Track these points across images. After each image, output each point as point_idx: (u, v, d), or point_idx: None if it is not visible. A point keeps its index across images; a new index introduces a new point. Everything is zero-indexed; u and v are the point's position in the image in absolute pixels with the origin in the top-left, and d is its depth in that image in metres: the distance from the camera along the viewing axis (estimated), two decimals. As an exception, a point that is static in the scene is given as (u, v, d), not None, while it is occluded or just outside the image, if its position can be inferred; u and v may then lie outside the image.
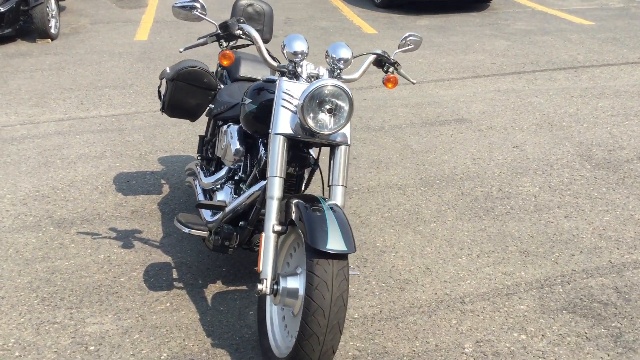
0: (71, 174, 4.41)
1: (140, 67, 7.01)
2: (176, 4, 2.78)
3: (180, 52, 2.80)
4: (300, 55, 2.69)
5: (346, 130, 2.67)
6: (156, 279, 3.24)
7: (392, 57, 2.94)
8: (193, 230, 2.98)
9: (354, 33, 8.50)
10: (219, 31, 2.77)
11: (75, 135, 5.12)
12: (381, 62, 2.96)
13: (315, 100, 2.51)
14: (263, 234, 2.54)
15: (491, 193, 4.17)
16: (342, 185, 2.67)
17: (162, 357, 2.69)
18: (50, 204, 4.00)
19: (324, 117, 2.55)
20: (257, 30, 3.47)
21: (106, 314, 2.97)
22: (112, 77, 6.62)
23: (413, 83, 3.11)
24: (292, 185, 2.93)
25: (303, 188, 3.02)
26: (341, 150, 2.68)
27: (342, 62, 2.72)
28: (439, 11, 9.75)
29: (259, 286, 2.45)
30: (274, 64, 2.75)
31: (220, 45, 2.79)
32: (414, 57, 7.32)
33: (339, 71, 2.74)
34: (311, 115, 2.52)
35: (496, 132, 5.22)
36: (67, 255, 3.44)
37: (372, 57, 2.91)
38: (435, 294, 3.13)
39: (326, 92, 2.52)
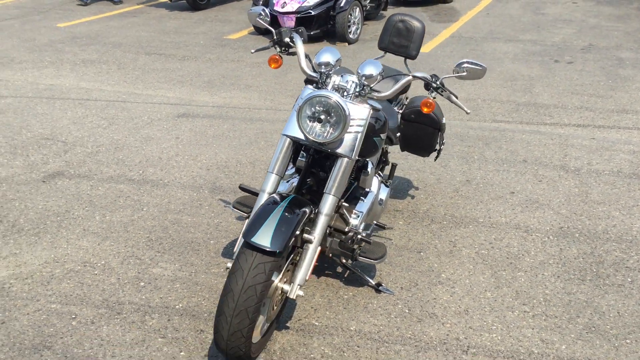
0: (260, 154, 5.15)
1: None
2: (250, 9, 3.22)
3: (252, 52, 3.23)
4: (324, 67, 2.89)
5: (352, 144, 2.78)
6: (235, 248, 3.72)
7: (438, 81, 2.91)
8: (235, 209, 3.38)
9: (652, 68, 7.58)
10: (275, 37, 3.12)
11: (296, 125, 5.83)
12: (428, 85, 2.96)
13: (310, 107, 2.71)
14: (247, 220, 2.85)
15: (626, 261, 3.62)
16: (333, 195, 2.80)
17: (177, 307, 3.21)
18: (224, 173, 4.79)
19: (316, 125, 2.73)
20: (403, 47, 3.74)
21: (175, 263, 3.59)
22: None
23: (467, 113, 3.01)
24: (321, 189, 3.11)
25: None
26: (342, 162, 2.81)
27: (365, 78, 2.83)
28: None
29: (228, 264, 2.78)
30: (309, 72, 2.99)
31: (277, 49, 3.14)
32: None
33: (363, 86, 2.86)
34: (305, 120, 2.73)
35: None
36: (196, 214, 4.16)
37: (408, 78, 2.93)
38: (447, 335, 3.01)
39: (321, 102, 2.69)
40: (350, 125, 2.80)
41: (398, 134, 3.73)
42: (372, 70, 2.85)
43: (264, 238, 2.50)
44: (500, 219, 4.10)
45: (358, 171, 3.29)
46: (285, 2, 8.70)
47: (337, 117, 2.70)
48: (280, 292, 2.75)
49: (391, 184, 3.94)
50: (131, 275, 3.45)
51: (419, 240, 3.82)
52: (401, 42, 4.08)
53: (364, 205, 3.38)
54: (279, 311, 2.94)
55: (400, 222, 4.03)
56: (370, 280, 3.35)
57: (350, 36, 8.79)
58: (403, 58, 4.16)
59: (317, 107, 2.71)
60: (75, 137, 5.47)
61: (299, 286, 2.74)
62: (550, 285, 3.38)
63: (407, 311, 3.17)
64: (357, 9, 8.86)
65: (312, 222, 2.80)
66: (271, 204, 2.66)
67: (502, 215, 4.15)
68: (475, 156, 5.10)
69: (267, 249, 2.47)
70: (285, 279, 2.77)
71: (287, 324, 3.05)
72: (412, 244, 3.77)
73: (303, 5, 8.65)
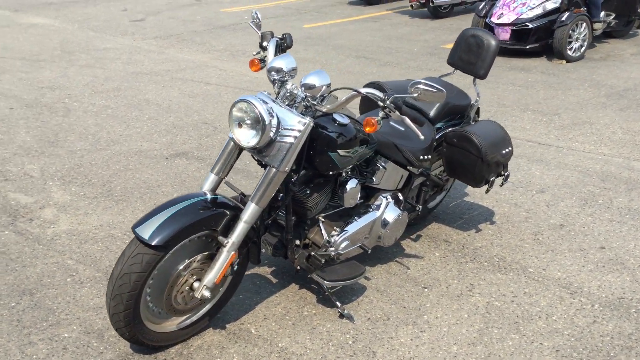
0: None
1: (586, 96, 6.61)
2: (252, 12, 3.26)
3: (254, 55, 3.29)
4: (274, 73, 2.83)
5: (281, 154, 2.72)
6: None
7: (387, 101, 2.67)
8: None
9: None
10: (259, 40, 3.14)
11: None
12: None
13: (236, 112, 2.72)
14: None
15: (669, 356, 2.86)
16: (256, 204, 2.77)
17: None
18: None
19: (241, 129, 2.73)
20: (471, 64, 3.55)
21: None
22: (555, 103, 6.55)
23: (420, 138, 2.71)
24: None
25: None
26: (269, 172, 2.76)
27: (303, 88, 2.74)
28: None
29: None
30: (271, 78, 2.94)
31: (262, 52, 3.15)
32: None
33: (305, 96, 2.76)
34: (232, 124, 2.75)
35: None
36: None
37: (352, 94, 2.73)
38: (354, 340, 2.76)
39: (243, 107, 2.69)
40: (284, 135, 2.71)
41: (427, 157, 3.41)
42: (314, 80, 2.71)
43: (146, 230, 2.58)
44: (555, 273, 3.50)
45: (341, 187, 3.14)
46: (502, 13, 8.24)
47: (257, 124, 2.65)
48: (188, 288, 2.80)
49: (420, 209, 3.64)
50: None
51: (437, 276, 3.47)
52: (470, 59, 3.72)
53: (354, 225, 3.22)
54: (213, 308, 2.98)
55: (437, 254, 3.70)
56: (337, 302, 3.18)
57: (570, 53, 7.97)
58: (472, 77, 3.79)
59: (239, 113, 2.69)
60: (227, 125, 6.00)
61: (205, 287, 2.76)
62: (536, 358, 2.83)
63: (350, 343, 2.95)
64: (584, 24, 7.99)
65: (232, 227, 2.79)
66: (177, 200, 2.72)
67: (562, 270, 3.53)
68: (600, 200, 4.37)
69: (145, 242, 2.55)
70: (196, 277, 2.81)
71: (227, 325, 3.07)
72: (425, 278, 3.44)
73: (521, 17, 8.11)
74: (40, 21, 11.21)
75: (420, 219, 3.95)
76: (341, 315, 3.12)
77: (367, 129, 2.65)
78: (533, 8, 8.04)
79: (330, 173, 2.97)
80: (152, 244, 2.53)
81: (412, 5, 10.78)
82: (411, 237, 3.87)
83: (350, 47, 9.17)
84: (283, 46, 3.08)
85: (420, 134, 2.69)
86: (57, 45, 9.36)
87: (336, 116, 2.88)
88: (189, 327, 2.92)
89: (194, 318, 2.93)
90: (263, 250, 3.04)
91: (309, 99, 2.74)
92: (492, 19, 8.31)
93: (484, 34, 3.69)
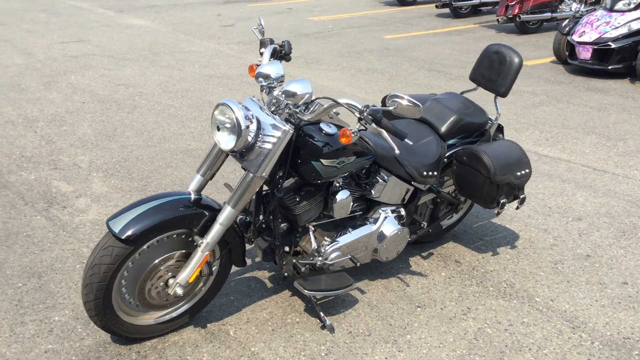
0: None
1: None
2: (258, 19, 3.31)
3: (260, 60, 3.33)
4: (262, 79, 2.86)
5: (258, 160, 2.74)
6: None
7: (365, 112, 2.64)
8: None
9: None
10: (259, 47, 3.18)
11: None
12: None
13: (217, 115, 2.77)
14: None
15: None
16: (232, 207, 2.81)
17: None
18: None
19: (220, 132, 2.77)
20: (492, 81, 3.50)
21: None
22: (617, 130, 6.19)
23: (395, 152, 2.65)
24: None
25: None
26: (247, 176, 2.79)
27: (285, 95, 2.75)
28: None
29: None
30: (259, 84, 2.98)
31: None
32: None
33: (287, 103, 2.77)
34: (216, 128, 2.80)
35: None
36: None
37: (330, 103, 2.71)
38: (327, 352, 2.72)
39: (223, 111, 2.73)
40: (264, 141, 2.73)
41: (432, 173, 3.33)
42: (295, 88, 2.71)
43: (118, 224, 2.66)
44: (563, 305, 3.31)
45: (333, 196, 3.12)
46: (584, 32, 7.88)
47: (233, 128, 2.68)
48: (164, 283, 2.87)
49: (425, 225, 3.54)
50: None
51: (435, 296, 3.37)
52: (491, 76, 3.60)
53: (346, 236, 3.19)
54: (193, 307, 3.03)
55: (442, 273, 3.59)
56: (321, 312, 3.15)
57: (658, 76, 7.48)
58: (493, 95, 3.66)
59: (221, 117, 2.73)
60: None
61: (178, 284, 2.82)
62: (510, 392, 2.68)
63: (322, 355, 2.92)
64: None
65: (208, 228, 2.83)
66: (156, 196, 2.79)
67: (571, 302, 3.33)
68: (640, 233, 4.09)
69: (115, 235, 2.64)
70: (171, 274, 2.87)
71: (208, 324, 3.11)
72: (421, 297, 3.35)
73: (603, 36, 7.71)
74: (138, 22, 11.79)
75: (434, 237, 3.84)
76: (323, 326, 3.08)
77: (342, 140, 2.62)
78: (617, 27, 7.61)
79: (319, 182, 2.95)
80: (122, 237, 2.60)
81: (498, 20, 10.48)
82: (422, 254, 3.77)
83: (425, 60, 9.05)
84: (281, 53, 3.10)
85: (395, 147, 2.63)
86: (147, 46, 9.80)
87: (323, 125, 2.86)
88: (168, 322, 2.97)
89: (173, 314, 2.99)
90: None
91: (290, 106, 2.74)
92: (573, 37, 7.95)
93: (507, 51, 3.55)
